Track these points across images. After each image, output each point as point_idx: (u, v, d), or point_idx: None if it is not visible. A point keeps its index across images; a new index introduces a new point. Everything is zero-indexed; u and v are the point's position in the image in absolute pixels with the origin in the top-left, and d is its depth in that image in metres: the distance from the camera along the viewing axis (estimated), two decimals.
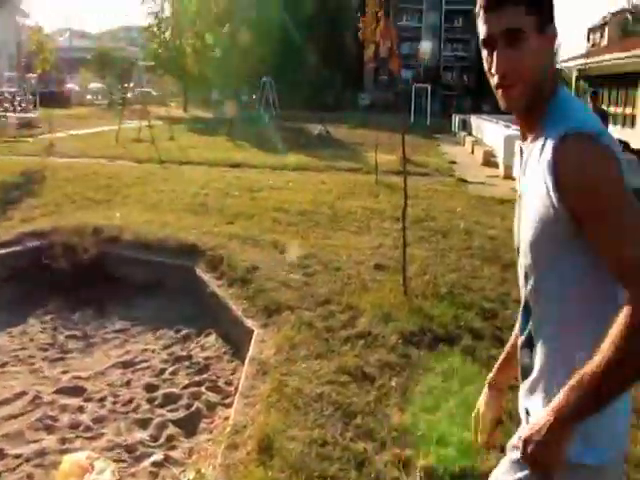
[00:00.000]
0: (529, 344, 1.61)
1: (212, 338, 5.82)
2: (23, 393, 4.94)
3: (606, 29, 47.66)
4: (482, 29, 1.54)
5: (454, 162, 17.57)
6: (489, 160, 17.21)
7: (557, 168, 1.38)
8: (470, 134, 24.55)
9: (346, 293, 5.60)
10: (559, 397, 1.37)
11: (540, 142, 1.47)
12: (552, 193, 1.39)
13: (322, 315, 5.12)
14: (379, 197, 10.94)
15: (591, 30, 54.21)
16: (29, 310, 6.69)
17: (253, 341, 4.84)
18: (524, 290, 1.65)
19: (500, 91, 1.54)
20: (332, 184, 12.11)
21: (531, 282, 1.58)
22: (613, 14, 49.93)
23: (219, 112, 39.44)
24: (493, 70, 1.52)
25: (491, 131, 19.61)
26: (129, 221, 8.23)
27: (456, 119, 29.76)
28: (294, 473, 3.00)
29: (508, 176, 14.17)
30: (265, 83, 34.68)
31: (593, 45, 50.55)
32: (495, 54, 1.51)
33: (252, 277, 6.02)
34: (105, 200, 10.15)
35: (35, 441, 4.28)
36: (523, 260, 1.62)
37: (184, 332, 6.02)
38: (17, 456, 4.09)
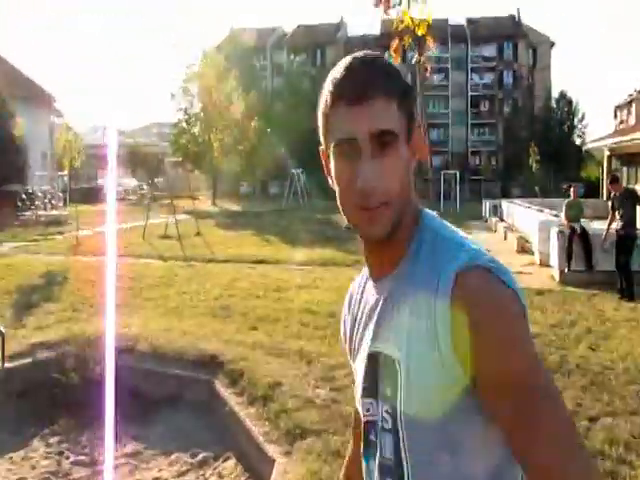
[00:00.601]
0: None
1: (231, 464, 5.24)
2: None
3: (633, 105, 47.75)
4: (338, 128, 1.14)
5: (488, 250, 16.90)
6: (523, 246, 16.64)
7: (459, 312, 1.06)
8: (502, 220, 24.09)
9: None
10: None
11: (417, 280, 1.14)
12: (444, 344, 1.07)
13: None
14: None
15: (618, 108, 54.44)
16: (35, 430, 6.22)
17: (274, 474, 4.26)
18: None
19: (362, 214, 1.14)
20: (341, 281, 11.64)
21: None
22: (639, 92, 50.16)
23: (248, 205, 39.79)
24: (355, 186, 1.11)
25: (524, 216, 19.13)
26: (146, 329, 7.81)
27: (486, 204, 29.38)
28: None
29: (544, 263, 13.58)
30: (294, 175, 34.96)
31: (621, 122, 50.63)
32: (360, 164, 1.11)
33: (274, 394, 5.48)
34: (124, 304, 9.78)
35: None
36: None
37: (201, 456, 5.46)
38: None
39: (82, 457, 5.71)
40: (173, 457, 5.55)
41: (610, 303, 9.90)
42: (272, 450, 4.66)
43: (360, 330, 1.29)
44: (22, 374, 6.80)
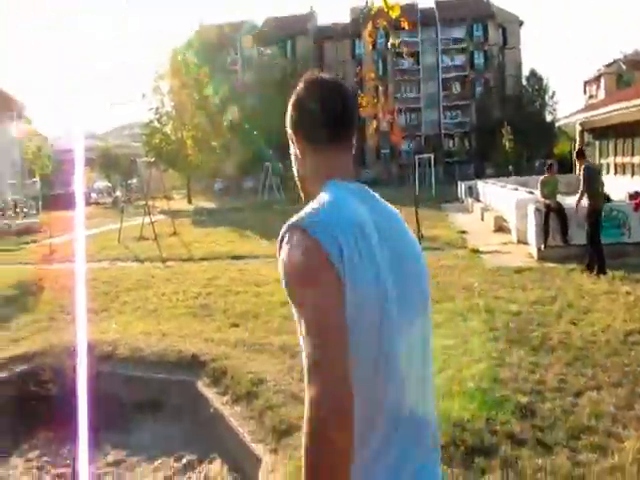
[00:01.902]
0: None
1: (216, 466, 5.15)
2: None
3: (602, 80, 48.21)
4: None
5: (464, 232, 17.04)
6: (501, 225, 16.69)
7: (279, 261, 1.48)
8: (478, 200, 24.15)
9: None
10: None
11: None
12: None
13: None
14: None
15: (587, 83, 54.95)
16: (14, 446, 6.08)
17: (261, 473, 4.18)
18: None
19: None
20: None
21: None
22: (606, 66, 50.62)
23: (223, 201, 39.55)
24: None
25: (500, 196, 19.16)
26: (126, 333, 7.68)
27: (462, 186, 29.43)
28: None
29: (522, 241, 13.61)
30: (267, 168, 34.76)
31: (590, 97, 51.10)
32: None
33: (259, 391, 5.40)
34: (102, 309, 9.66)
35: None
36: None
37: (186, 460, 5.37)
38: None
39: (64, 470, 5.59)
40: (157, 463, 5.45)
41: (588, 277, 9.92)
42: (258, 449, 4.58)
43: None
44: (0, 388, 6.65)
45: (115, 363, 6.84)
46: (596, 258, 10.30)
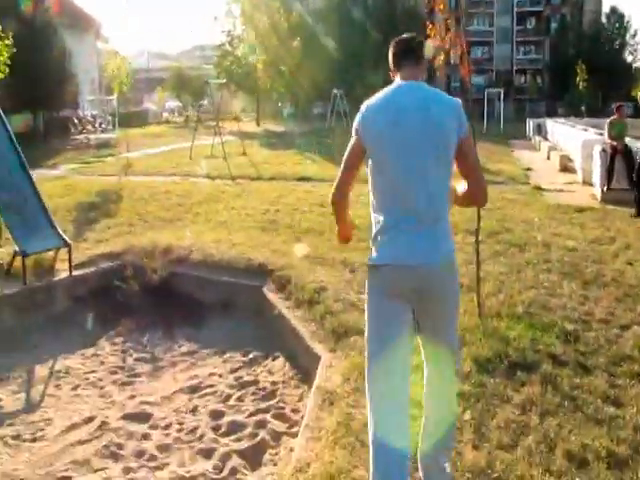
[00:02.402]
0: None
1: (280, 362, 5.68)
2: (91, 418, 4.93)
3: None
4: None
5: (529, 169, 16.96)
6: (566, 165, 16.53)
7: None
8: (546, 139, 23.75)
9: None
10: None
11: None
12: None
13: None
14: (453, 209, 10.58)
15: None
16: (102, 331, 6.76)
17: (320, 368, 4.66)
18: None
19: None
20: None
21: None
22: None
23: (291, 126, 39.78)
24: None
25: (568, 135, 18.86)
26: (199, 240, 8.23)
27: (530, 123, 28.86)
28: None
29: (587, 182, 13.54)
30: (336, 95, 34.65)
31: None
32: None
33: (320, 298, 5.86)
34: (176, 219, 10.24)
35: (100, 469, 4.24)
36: None
37: (252, 355, 5.92)
38: None
39: (144, 354, 6.23)
40: (226, 356, 6.02)
41: None
42: (318, 348, 5.06)
43: None
44: (88, 281, 7.32)
45: (189, 266, 7.42)
46: None
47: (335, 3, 58.28)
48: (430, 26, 10.97)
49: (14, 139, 8.01)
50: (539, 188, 13.21)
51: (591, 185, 13.14)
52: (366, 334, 2.88)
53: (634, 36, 61.71)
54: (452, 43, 12.31)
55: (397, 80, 2.93)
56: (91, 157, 22.52)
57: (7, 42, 16.87)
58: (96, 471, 4.22)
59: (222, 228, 9.28)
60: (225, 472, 4.12)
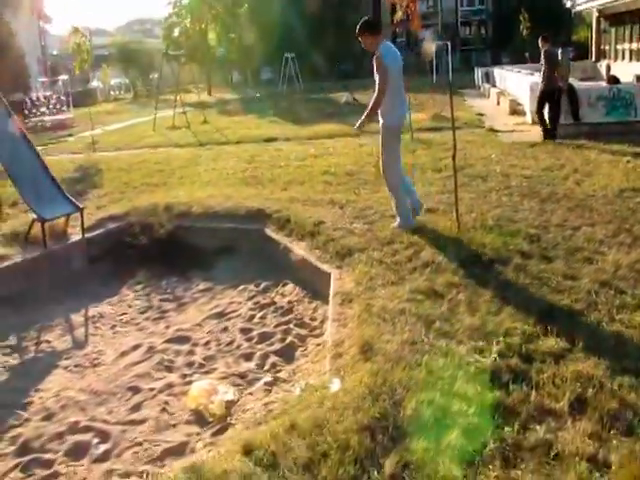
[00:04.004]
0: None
1: (290, 287, 6.57)
2: (138, 345, 5.78)
3: None
4: None
5: (482, 114, 18.00)
6: (515, 109, 17.61)
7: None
8: (494, 86, 24.81)
9: (405, 234, 6.29)
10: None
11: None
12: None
13: (389, 253, 5.84)
14: (417, 152, 11.54)
15: None
16: (121, 283, 7.53)
17: (332, 279, 5.57)
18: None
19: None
20: (370, 146, 12.69)
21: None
22: None
23: (243, 92, 40.13)
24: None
25: (515, 81, 19.88)
26: (194, 197, 8.99)
27: (478, 72, 29.92)
28: (395, 364, 3.74)
29: (536, 122, 14.57)
30: (287, 59, 35.13)
31: None
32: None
33: (320, 230, 6.75)
34: (162, 183, 10.95)
35: (160, 378, 5.10)
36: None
37: (263, 285, 6.79)
38: (151, 389, 4.92)
39: (167, 295, 7.05)
40: (240, 288, 6.87)
41: (594, 150, 11.03)
42: (327, 267, 5.96)
43: None
44: (101, 241, 8.05)
45: (192, 219, 8.20)
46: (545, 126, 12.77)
47: None
48: None
49: (12, 115, 8.62)
50: (493, 130, 14.26)
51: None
52: (389, 151, 6.59)
53: None
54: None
55: (381, 39, 6.44)
56: (51, 138, 22.75)
57: None
58: (157, 380, 5.09)
59: (209, 186, 10.05)
60: (266, 367, 5.03)
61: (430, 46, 32.49)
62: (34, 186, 8.12)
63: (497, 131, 14.18)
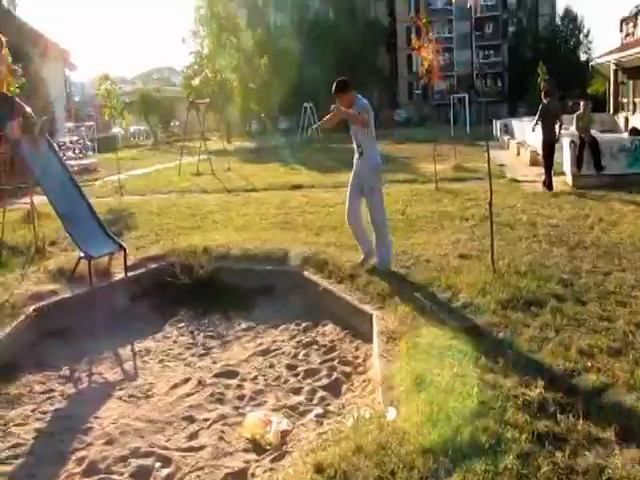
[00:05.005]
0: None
1: (330, 326, 6.84)
2: (188, 379, 6.04)
3: (639, 18, 47.80)
4: None
5: (502, 165, 18.45)
6: (536, 160, 18.02)
7: None
8: (513, 137, 25.35)
9: (443, 277, 6.59)
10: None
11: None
12: None
13: (428, 295, 6.13)
14: (443, 201, 11.92)
15: (624, 20, 54.32)
16: (163, 320, 7.83)
17: (375, 319, 5.84)
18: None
19: None
20: (395, 194, 13.10)
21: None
22: None
23: (262, 141, 40.99)
24: None
25: (535, 132, 20.37)
26: (230, 240, 9.34)
27: (497, 124, 30.56)
28: (447, 395, 4.00)
29: (557, 172, 14.94)
30: (306, 108, 36.00)
31: (627, 35, 50.75)
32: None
33: (359, 273, 7.05)
34: (196, 227, 11.32)
35: (213, 409, 5.36)
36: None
37: (304, 325, 7.06)
38: (205, 419, 5.17)
39: (210, 333, 7.33)
40: (282, 327, 7.15)
41: (617, 200, 11.36)
42: (367, 308, 6.25)
43: None
44: (143, 280, 8.38)
45: (231, 260, 8.52)
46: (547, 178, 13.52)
47: (299, 19, 59.97)
48: (417, 40, 12.45)
49: (61, 158, 9.08)
50: (515, 180, 14.64)
51: (562, 174, 14.57)
52: (378, 192, 7.27)
53: (587, 35, 64.49)
54: (433, 52, 13.76)
55: (354, 95, 7.15)
56: (80, 182, 23.31)
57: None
58: (210, 411, 5.34)
59: (244, 231, 10.40)
60: (315, 400, 5.28)
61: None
62: (81, 225, 8.50)
63: (519, 181, 14.56)
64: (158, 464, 4.53)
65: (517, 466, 3.28)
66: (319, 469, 3.36)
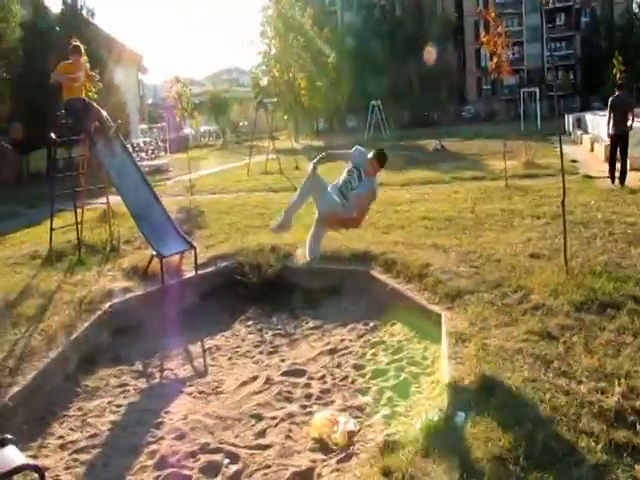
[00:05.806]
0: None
1: (398, 326, 6.79)
2: (256, 377, 6.11)
3: None
4: None
5: (575, 161, 17.89)
6: None
7: None
8: (586, 132, 24.57)
9: (513, 278, 6.44)
10: None
11: None
12: None
13: (498, 295, 6.01)
14: (513, 199, 11.65)
15: None
16: (232, 318, 7.94)
17: (444, 320, 5.77)
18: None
19: None
20: (465, 192, 12.90)
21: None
22: None
23: (329, 140, 41.08)
24: None
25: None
26: (298, 239, 9.37)
27: (569, 119, 29.68)
28: (518, 400, 3.91)
29: (633, 167, 14.40)
30: (374, 107, 35.87)
31: None
32: None
33: (427, 272, 6.97)
34: (264, 225, 11.37)
35: (281, 408, 5.40)
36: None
37: (372, 324, 7.04)
38: (273, 418, 5.22)
39: (278, 331, 7.40)
40: (349, 326, 7.15)
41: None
42: (436, 308, 6.17)
43: None
44: (213, 278, 8.53)
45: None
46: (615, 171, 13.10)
47: (364, 16, 59.87)
48: (486, 35, 12.22)
49: (135, 160, 9.33)
50: (589, 177, 14.18)
51: (637, 170, 14.03)
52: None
53: None
54: (502, 47, 13.46)
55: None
56: (152, 182, 23.90)
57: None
58: (278, 409, 5.39)
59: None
60: (383, 401, 5.25)
61: None
62: (154, 224, 8.73)
63: (593, 177, 14.09)
64: (227, 460, 4.60)
65: (592, 477, 3.17)
66: (386, 472, 3.34)
